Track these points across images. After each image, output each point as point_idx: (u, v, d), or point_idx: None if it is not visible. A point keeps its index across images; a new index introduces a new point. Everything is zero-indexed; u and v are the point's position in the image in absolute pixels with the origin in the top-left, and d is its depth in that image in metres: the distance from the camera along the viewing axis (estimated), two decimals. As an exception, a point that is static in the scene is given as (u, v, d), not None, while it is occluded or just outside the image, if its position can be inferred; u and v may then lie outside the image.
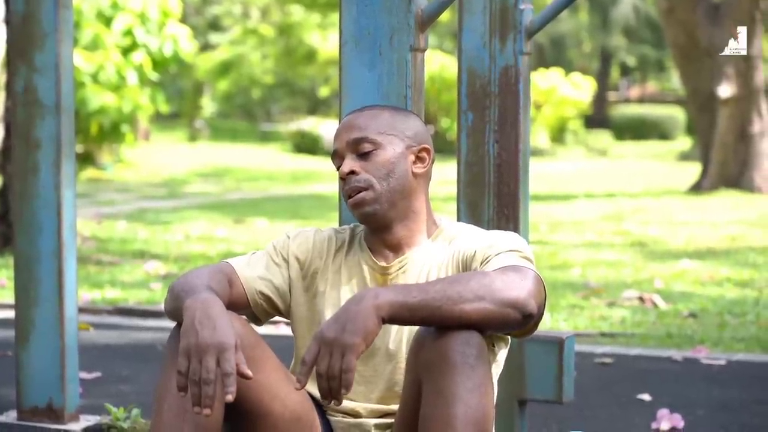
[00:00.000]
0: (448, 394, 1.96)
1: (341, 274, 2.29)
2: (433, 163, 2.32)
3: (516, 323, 2.02)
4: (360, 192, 2.23)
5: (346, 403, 2.24)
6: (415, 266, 2.25)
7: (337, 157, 2.29)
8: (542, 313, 2.09)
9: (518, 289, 2.00)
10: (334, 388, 1.94)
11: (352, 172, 2.24)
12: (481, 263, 2.15)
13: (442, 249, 2.27)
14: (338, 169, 2.28)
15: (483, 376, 1.98)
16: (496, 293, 1.99)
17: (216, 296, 2.04)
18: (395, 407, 2.21)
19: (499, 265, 2.09)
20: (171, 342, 2.10)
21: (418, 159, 2.29)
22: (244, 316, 2.29)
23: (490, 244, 2.17)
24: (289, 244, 2.31)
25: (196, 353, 1.93)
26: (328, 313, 2.26)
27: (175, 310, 2.10)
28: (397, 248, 2.27)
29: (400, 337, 2.22)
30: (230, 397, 1.91)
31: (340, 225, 2.56)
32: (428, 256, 2.26)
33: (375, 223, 2.26)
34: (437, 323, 1.99)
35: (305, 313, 2.29)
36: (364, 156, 2.24)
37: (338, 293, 2.27)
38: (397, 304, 1.96)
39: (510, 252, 2.13)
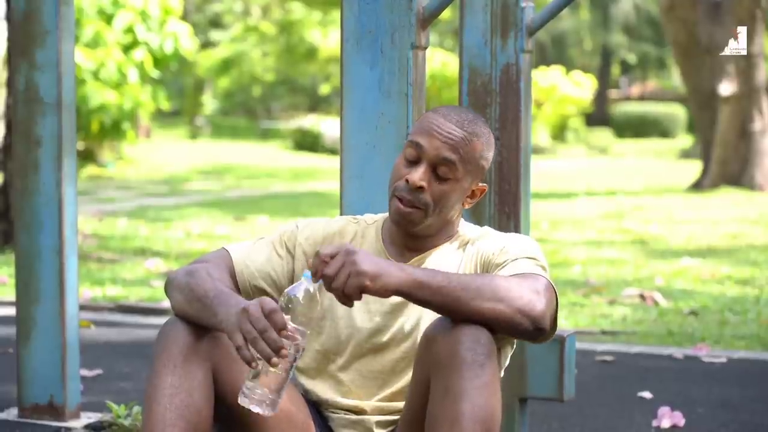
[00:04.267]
0: (456, 392, 1.96)
1: None
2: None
3: (526, 333, 2.04)
4: (413, 209, 2.17)
5: (351, 401, 2.23)
6: (431, 267, 2.21)
7: (415, 148, 2.17)
8: (555, 328, 2.11)
9: (536, 302, 2.03)
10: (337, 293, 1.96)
11: (421, 188, 2.17)
12: (498, 267, 2.14)
13: (459, 251, 2.24)
14: (409, 157, 2.18)
15: (492, 375, 1.98)
16: (514, 300, 2.01)
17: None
18: (400, 404, 2.20)
19: (515, 270, 2.10)
20: (160, 341, 2.09)
21: (473, 195, 2.25)
22: None
23: (507, 248, 2.17)
24: (297, 236, 2.26)
25: (240, 322, 1.94)
26: (338, 310, 2.22)
27: (190, 316, 2.08)
28: (418, 249, 2.24)
29: (413, 336, 2.20)
30: (290, 326, 1.94)
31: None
32: (445, 259, 2.23)
33: (407, 231, 2.22)
34: (451, 312, 1.99)
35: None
36: (438, 177, 2.18)
37: None
38: (420, 280, 1.97)
39: (527, 259, 2.14)
